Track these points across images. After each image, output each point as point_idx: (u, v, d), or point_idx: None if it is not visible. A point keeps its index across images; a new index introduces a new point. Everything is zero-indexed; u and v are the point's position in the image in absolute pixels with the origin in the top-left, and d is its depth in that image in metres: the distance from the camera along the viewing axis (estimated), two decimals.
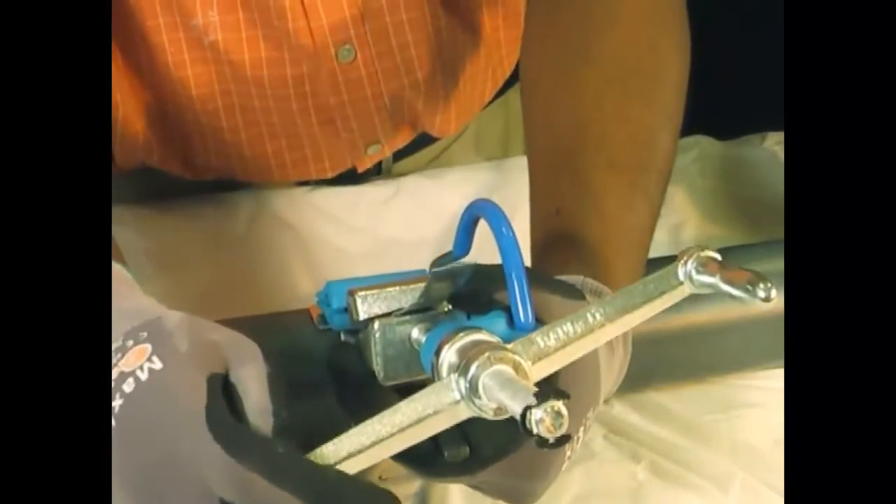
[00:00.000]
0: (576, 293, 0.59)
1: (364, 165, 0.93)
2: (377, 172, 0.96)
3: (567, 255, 0.64)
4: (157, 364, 0.51)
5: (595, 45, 0.71)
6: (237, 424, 0.49)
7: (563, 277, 0.62)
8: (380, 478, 0.68)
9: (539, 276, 0.58)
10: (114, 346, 0.52)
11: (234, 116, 0.86)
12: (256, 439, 0.49)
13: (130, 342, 0.52)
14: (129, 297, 0.58)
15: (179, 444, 0.49)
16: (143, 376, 0.50)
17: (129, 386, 0.50)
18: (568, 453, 0.57)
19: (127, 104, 0.85)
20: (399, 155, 0.96)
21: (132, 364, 0.51)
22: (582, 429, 0.57)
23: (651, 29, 0.72)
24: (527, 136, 0.74)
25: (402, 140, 0.93)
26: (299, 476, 0.47)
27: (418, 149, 0.97)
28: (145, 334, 0.52)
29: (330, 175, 0.92)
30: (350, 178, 0.94)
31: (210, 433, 0.48)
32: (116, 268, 0.61)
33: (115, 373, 0.51)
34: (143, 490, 0.49)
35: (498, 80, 0.95)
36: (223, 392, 0.50)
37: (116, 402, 0.50)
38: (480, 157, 1.00)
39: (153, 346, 0.51)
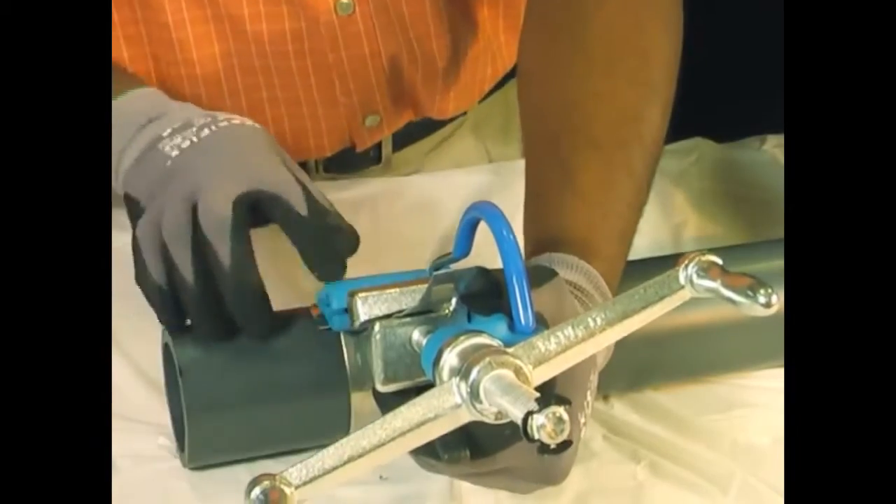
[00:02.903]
0: (545, 274, 0.60)
1: (363, 141, 0.93)
2: (377, 161, 0.96)
3: (543, 235, 0.66)
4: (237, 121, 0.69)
5: (583, 28, 0.73)
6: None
7: (534, 260, 0.63)
8: (381, 477, 0.68)
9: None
10: (201, 119, 0.68)
11: (234, 78, 0.86)
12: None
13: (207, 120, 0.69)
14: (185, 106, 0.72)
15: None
16: (224, 123, 0.68)
17: (210, 128, 0.68)
18: (582, 420, 0.58)
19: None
20: (398, 144, 0.96)
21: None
22: (584, 412, 0.58)
23: (638, 8, 0.73)
24: (522, 126, 0.75)
25: (401, 119, 0.93)
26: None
27: (417, 138, 0.97)
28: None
29: (329, 153, 0.93)
30: (349, 164, 0.94)
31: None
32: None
33: (202, 119, 0.69)
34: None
35: (497, 68, 0.96)
36: None
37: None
38: (480, 148, 1.01)
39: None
